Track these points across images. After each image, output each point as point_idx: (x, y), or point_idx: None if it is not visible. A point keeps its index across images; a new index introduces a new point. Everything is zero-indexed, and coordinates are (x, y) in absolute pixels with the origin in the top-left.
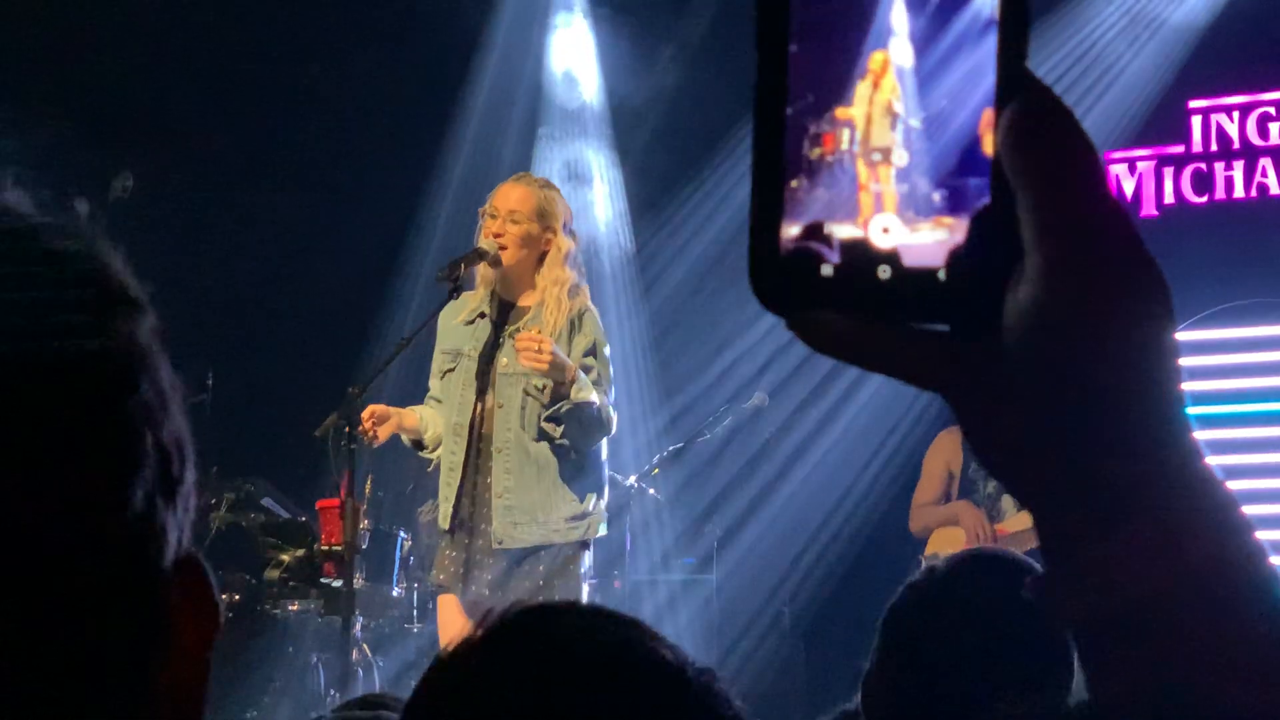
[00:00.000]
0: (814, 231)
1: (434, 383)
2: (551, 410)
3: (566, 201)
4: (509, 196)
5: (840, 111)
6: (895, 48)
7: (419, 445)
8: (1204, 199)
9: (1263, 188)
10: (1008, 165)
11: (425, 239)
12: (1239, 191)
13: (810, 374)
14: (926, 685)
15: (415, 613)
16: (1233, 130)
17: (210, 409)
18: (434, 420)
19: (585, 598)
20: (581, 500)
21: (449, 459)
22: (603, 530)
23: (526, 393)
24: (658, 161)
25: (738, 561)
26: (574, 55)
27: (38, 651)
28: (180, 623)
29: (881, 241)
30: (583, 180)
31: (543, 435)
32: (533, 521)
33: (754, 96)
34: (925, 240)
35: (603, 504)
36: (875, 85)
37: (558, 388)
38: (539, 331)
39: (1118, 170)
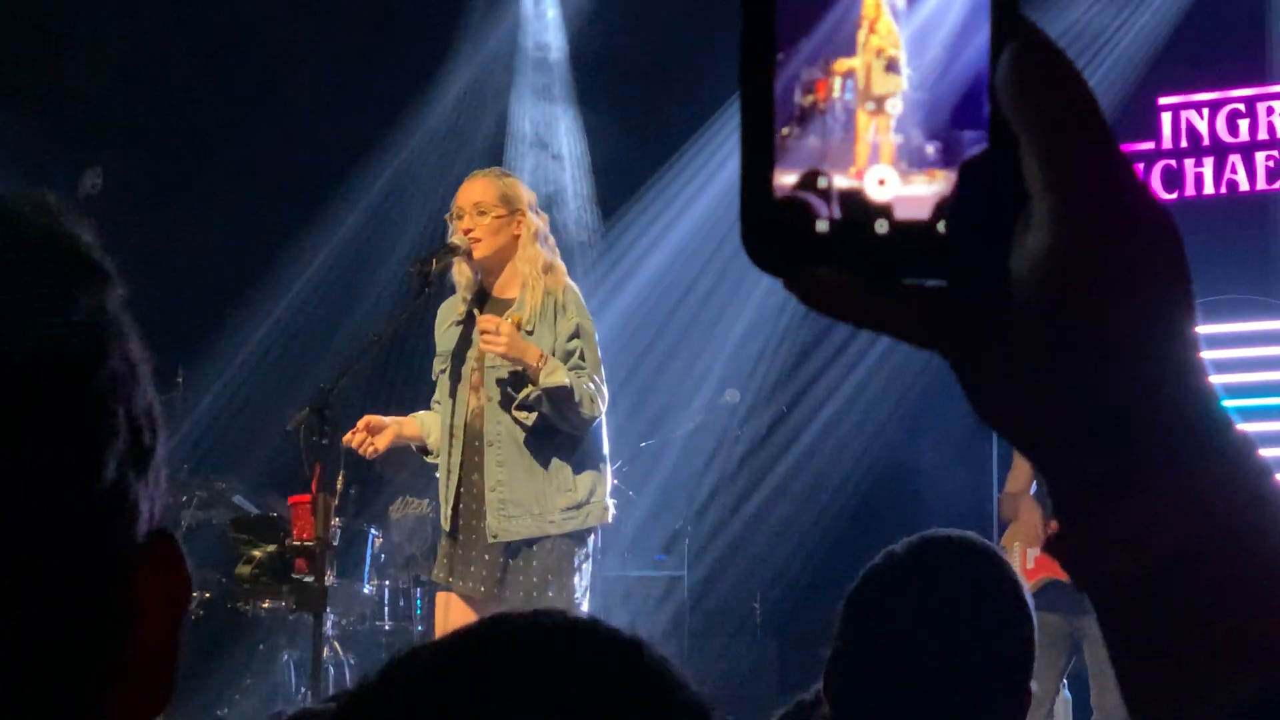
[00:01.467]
0: (807, 185)
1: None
2: (520, 397)
3: (526, 185)
4: (471, 192)
5: (836, 60)
6: None
7: (424, 451)
8: (1174, 196)
9: (1232, 184)
10: (1009, 107)
11: (398, 234)
12: (1209, 188)
13: (783, 369)
14: (888, 669)
15: (386, 610)
16: (1202, 127)
17: (181, 406)
18: (435, 424)
19: (585, 590)
20: (578, 490)
21: (445, 461)
22: (605, 519)
23: (503, 382)
24: (633, 146)
25: (709, 558)
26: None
27: (7, 622)
28: (152, 594)
29: (878, 195)
30: (557, 165)
31: (520, 424)
32: (526, 514)
33: (740, 47)
34: (922, 192)
35: (603, 491)
36: (871, 30)
37: (524, 373)
38: (519, 317)
39: None
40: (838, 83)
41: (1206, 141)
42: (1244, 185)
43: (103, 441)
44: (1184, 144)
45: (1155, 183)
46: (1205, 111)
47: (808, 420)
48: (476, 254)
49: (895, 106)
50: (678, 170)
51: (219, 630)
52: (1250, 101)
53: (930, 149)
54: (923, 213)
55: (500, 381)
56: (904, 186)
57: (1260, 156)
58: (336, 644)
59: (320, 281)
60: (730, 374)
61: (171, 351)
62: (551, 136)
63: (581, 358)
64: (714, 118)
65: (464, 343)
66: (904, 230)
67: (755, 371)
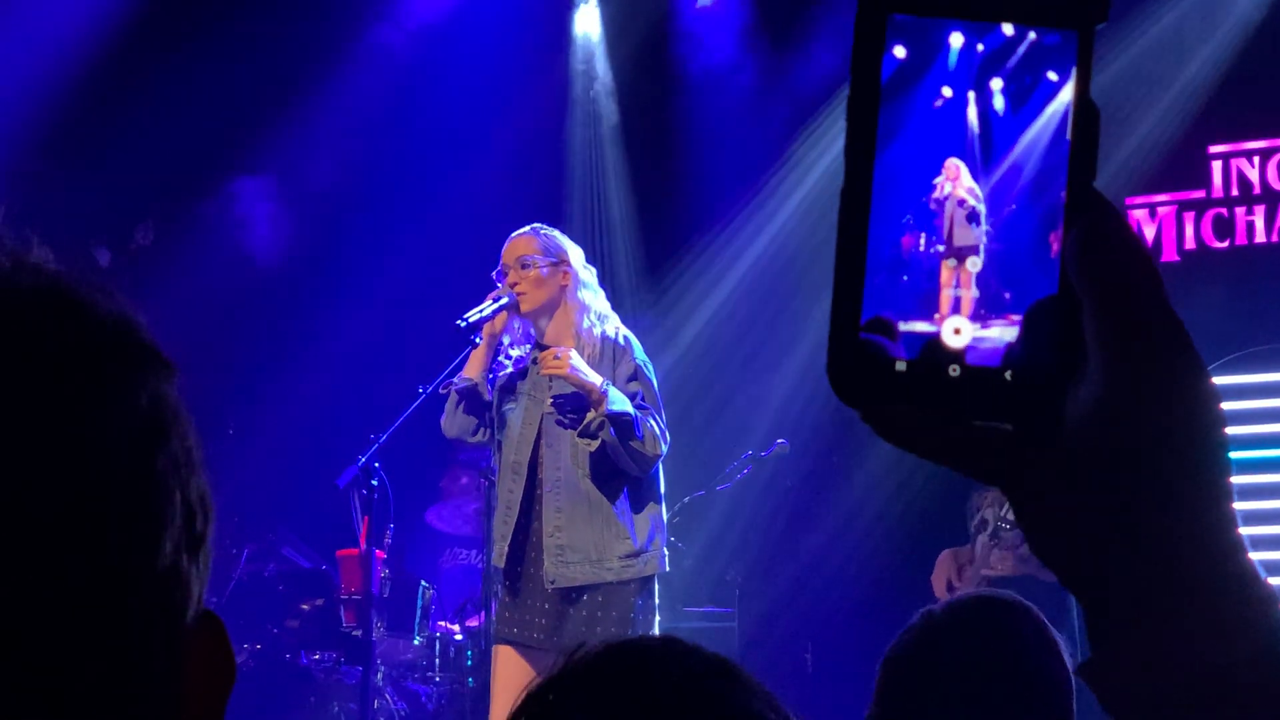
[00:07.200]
0: (890, 328)
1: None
2: (584, 424)
3: (570, 240)
4: (515, 248)
5: (922, 214)
6: (971, 152)
7: (471, 391)
8: (1225, 244)
9: None
10: (1074, 277)
11: (446, 288)
12: (1260, 236)
13: (833, 419)
14: None
15: (438, 662)
16: (1253, 175)
17: (231, 459)
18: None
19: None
20: (636, 538)
21: (506, 497)
22: (663, 568)
23: (562, 424)
24: (682, 206)
25: (760, 608)
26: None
27: (64, 699)
28: (199, 674)
29: (953, 341)
30: (604, 226)
31: (579, 469)
32: (585, 560)
33: (841, 200)
34: (995, 340)
35: (661, 539)
36: (954, 189)
37: (587, 398)
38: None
39: (1138, 215)
40: (923, 236)
41: (1258, 189)
42: None
43: (162, 524)
44: (1235, 192)
45: (1206, 231)
46: (1256, 159)
47: (859, 470)
48: (524, 307)
49: (975, 260)
50: (726, 224)
51: (271, 682)
52: None
53: (1007, 295)
54: (992, 360)
55: (561, 414)
56: (978, 333)
57: None
58: (388, 696)
59: (371, 334)
60: (780, 425)
61: (223, 403)
62: (603, 190)
63: (643, 400)
64: (766, 174)
65: (526, 384)
66: (974, 376)
67: (804, 422)
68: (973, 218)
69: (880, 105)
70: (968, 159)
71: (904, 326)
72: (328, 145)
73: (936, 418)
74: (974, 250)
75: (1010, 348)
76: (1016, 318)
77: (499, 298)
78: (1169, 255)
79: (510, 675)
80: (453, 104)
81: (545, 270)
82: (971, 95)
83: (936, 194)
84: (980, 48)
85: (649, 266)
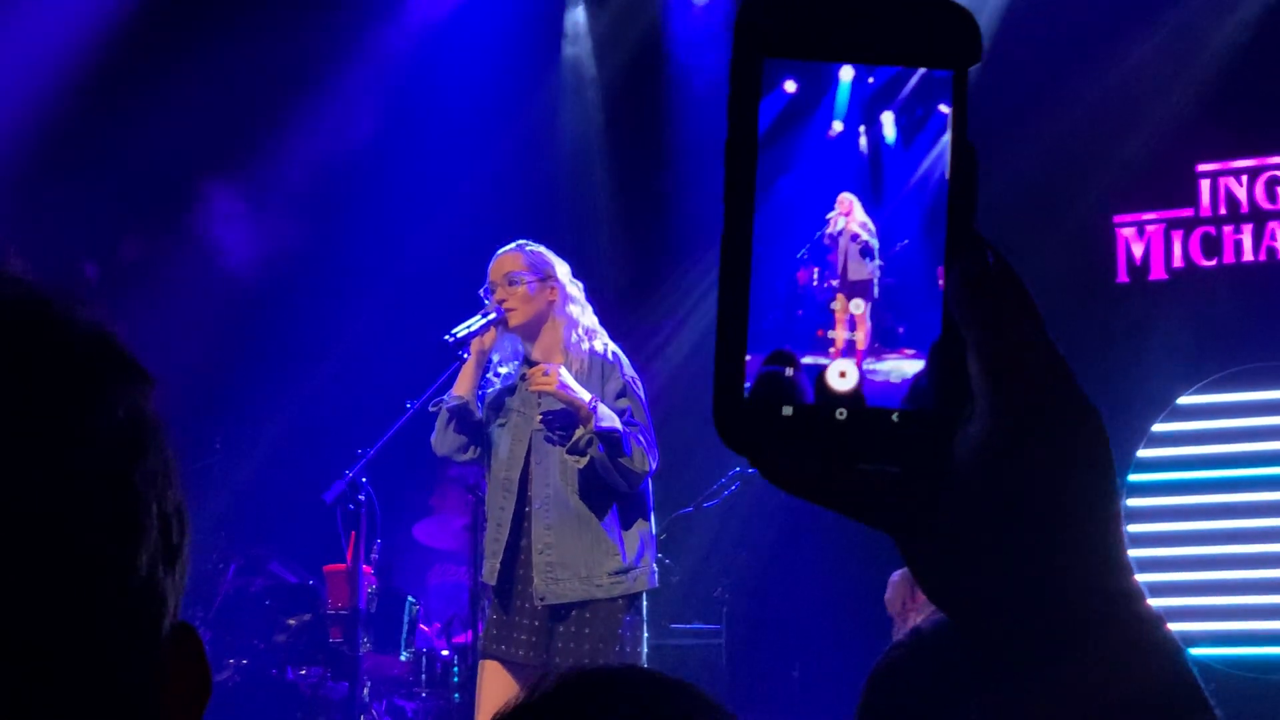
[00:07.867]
0: (793, 360)
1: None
2: (572, 440)
3: (557, 255)
4: (501, 265)
5: (816, 248)
6: (864, 186)
7: (465, 410)
8: (1213, 262)
9: (1272, 250)
10: (957, 317)
11: (434, 302)
12: (1248, 255)
13: None
14: None
15: (424, 677)
16: (1241, 193)
17: (219, 473)
18: (474, 405)
19: (639, 656)
20: (625, 554)
21: (496, 514)
22: (652, 584)
23: (551, 441)
24: (673, 218)
25: (747, 625)
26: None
27: (38, 710)
28: (174, 688)
29: (840, 384)
30: (594, 239)
31: (568, 486)
32: (574, 576)
33: (720, 247)
34: (888, 375)
35: (649, 556)
36: (847, 223)
37: (576, 415)
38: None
39: (1126, 233)
40: (817, 271)
41: (1246, 208)
42: None
43: (138, 538)
44: (1223, 211)
45: (1194, 249)
46: (1244, 178)
47: None
48: (512, 322)
49: (859, 303)
50: (717, 237)
51: (257, 697)
52: None
53: (900, 329)
54: (884, 398)
55: (550, 431)
56: (871, 366)
57: None
58: (374, 711)
59: (359, 348)
60: None
61: (211, 417)
62: (593, 201)
63: (631, 416)
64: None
65: (525, 405)
66: (861, 418)
67: None
68: (866, 252)
69: (774, 140)
70: (861, 192)
71: (791, 370)
72: (315, 162)
73: (824, 463)
74: (868, 284)
75: (903, 385)
76: (910, 352)
77: (487, 313)
78: (1157, 273)
79: (496, 691)
80: (441, 119)
81: (533, 286)
82: (863, 128)
83: (830, 229)
84: (871, 80)
85: (638, 281)
